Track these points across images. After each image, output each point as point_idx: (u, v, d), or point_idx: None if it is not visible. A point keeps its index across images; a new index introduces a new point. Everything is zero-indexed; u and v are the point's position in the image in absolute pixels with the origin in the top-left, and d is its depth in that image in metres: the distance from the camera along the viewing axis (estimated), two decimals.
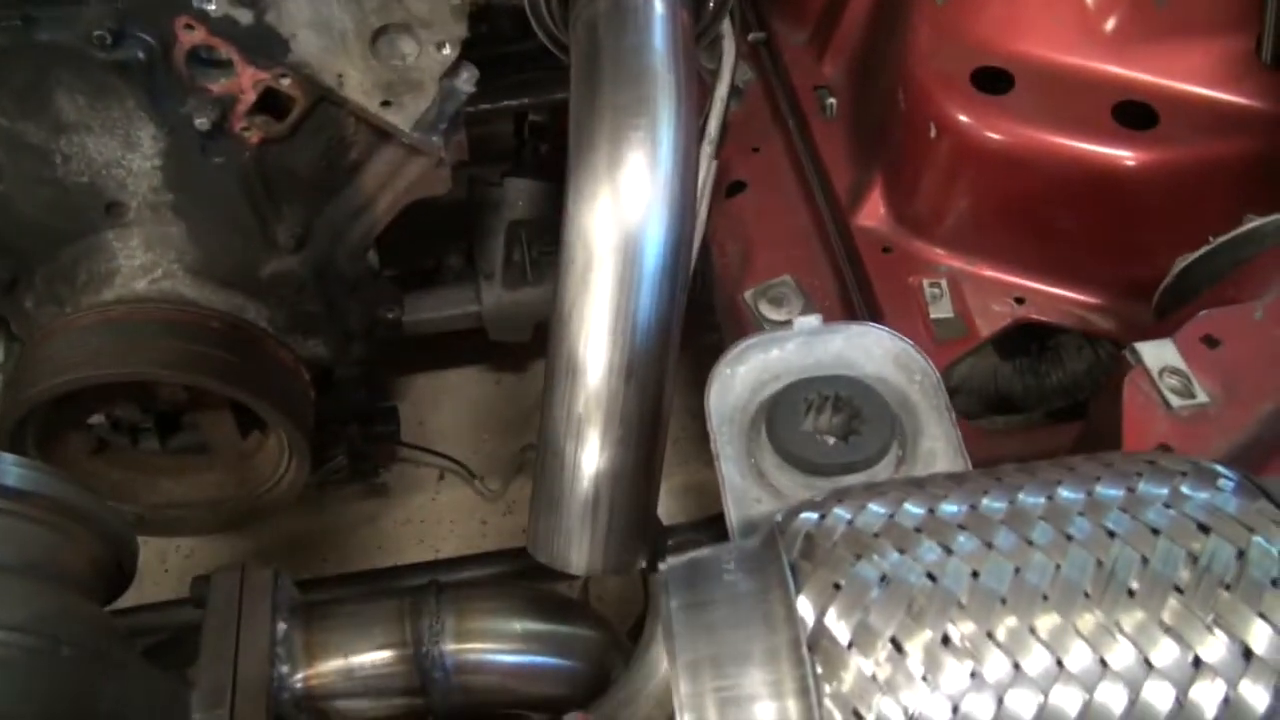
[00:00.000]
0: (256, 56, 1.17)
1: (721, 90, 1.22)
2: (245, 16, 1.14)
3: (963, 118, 1.37)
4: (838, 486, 0.66)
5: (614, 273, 0.83)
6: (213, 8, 1.13)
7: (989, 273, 1.41)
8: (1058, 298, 1.43)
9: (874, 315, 1.38)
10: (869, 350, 0.83)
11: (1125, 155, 1.32)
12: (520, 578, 1.47)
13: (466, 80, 1.25)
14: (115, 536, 0.84)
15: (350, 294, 1.44)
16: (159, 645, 1.04)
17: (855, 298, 1.43)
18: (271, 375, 1.33)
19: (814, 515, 0.59)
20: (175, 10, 1.13)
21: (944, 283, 1.41)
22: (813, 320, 0.86)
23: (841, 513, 0.58)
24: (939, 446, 0.79)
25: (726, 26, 1.21)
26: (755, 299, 1.42)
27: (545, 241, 1.74)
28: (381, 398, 1.79)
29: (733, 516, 0.78)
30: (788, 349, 0.85)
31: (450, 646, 1.02)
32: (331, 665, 1.00)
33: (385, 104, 1.24)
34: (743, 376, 0.84)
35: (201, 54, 1.17)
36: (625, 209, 0.84)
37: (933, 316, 1.38)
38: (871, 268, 1.42)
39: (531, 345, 1.83)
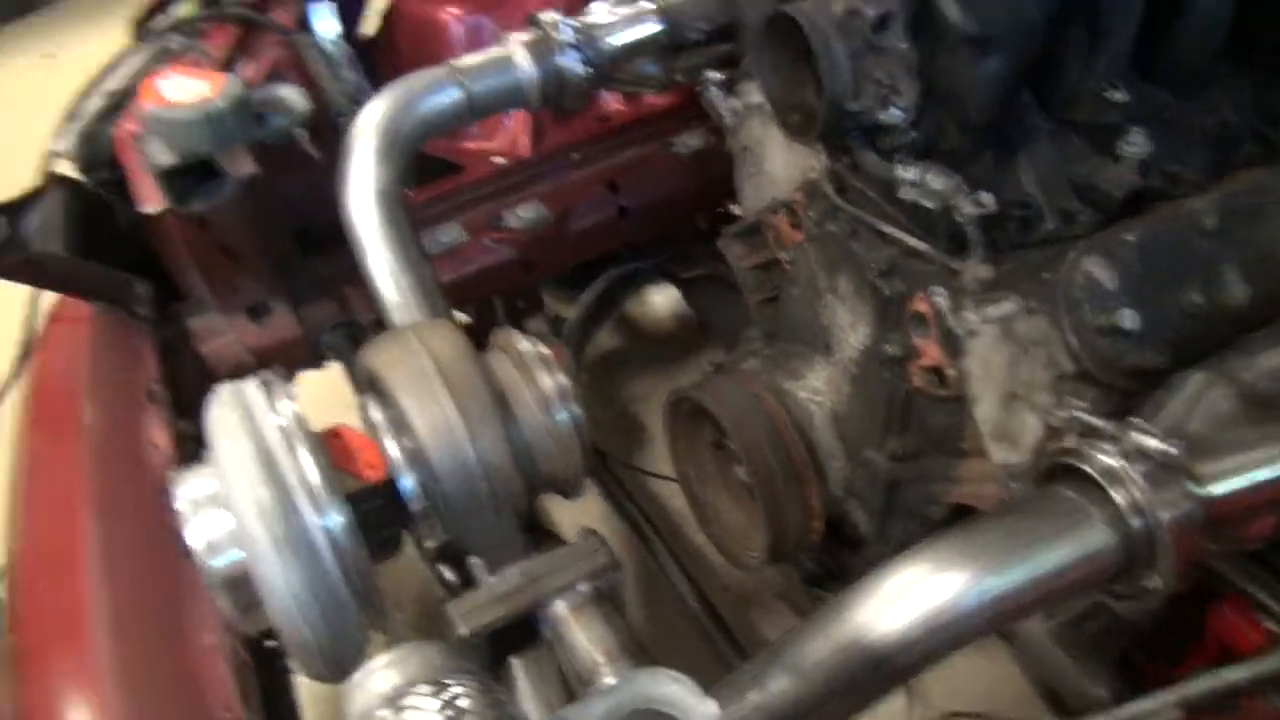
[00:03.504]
0: (949, 350, 1.53)
1: None
2: (952, 322, 1.50)
3: None
4: None
5: None
6: (943, 303, 1.50)
7: None
8: None
9: None
10: None
11: None
12: None
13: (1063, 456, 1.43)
14: None
15: (901, 516, 1.77)
16: None
17: None
18: (790, 509, 1.77)
19: None
20: (927, 286, 1.53)
21: None
22: None
23: None
24: None
25: None
26: None
27: None
28: None
29: None
30: None
31: None
32: None
33: (995, 440, 1.50)
34: None
35: (918, 317, 1.57)
36: None
37: None
38: None
39: None
